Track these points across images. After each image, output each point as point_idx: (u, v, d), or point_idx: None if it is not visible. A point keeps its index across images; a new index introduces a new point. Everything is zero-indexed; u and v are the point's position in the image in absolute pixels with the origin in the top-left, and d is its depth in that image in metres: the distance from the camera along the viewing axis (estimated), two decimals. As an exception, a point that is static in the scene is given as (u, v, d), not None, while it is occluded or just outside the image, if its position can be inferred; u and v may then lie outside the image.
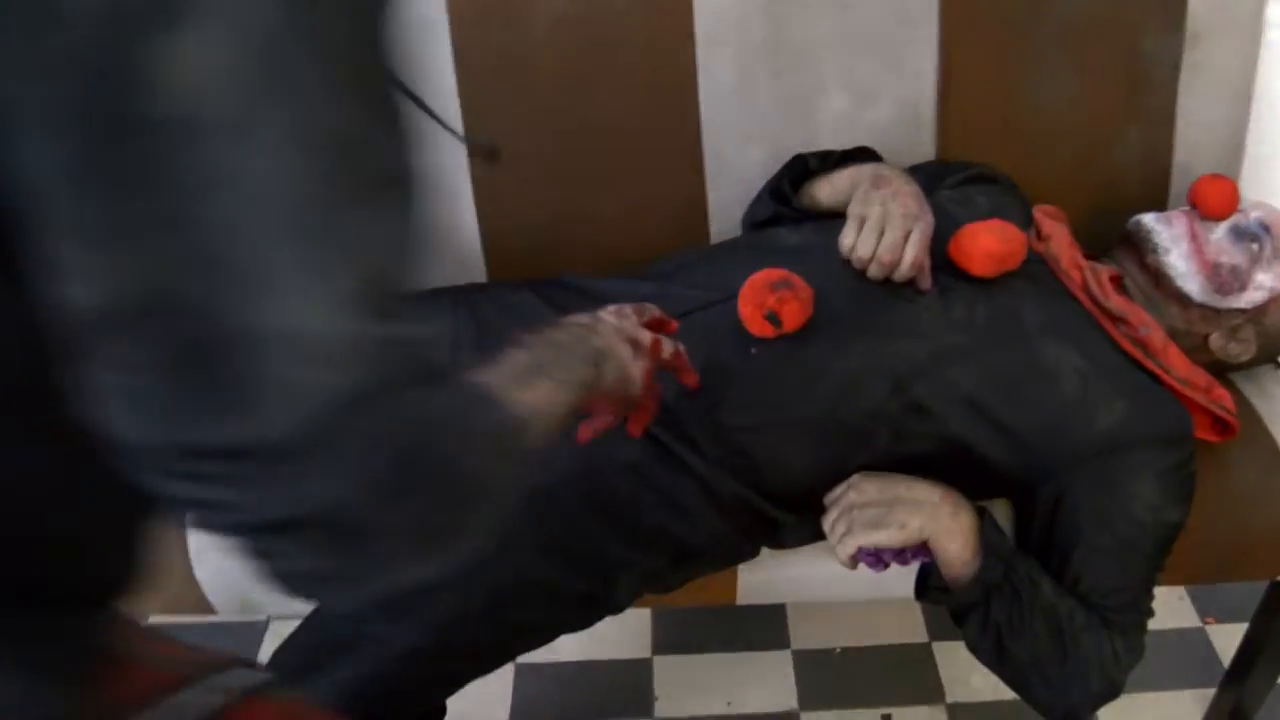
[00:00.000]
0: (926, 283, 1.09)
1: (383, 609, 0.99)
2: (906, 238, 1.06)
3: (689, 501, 1.05)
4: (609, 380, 0.82)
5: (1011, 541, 1.12)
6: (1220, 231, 1.16)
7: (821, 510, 1.07)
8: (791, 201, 1.23)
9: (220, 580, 1.19)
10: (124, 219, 0.40)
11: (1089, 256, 1.19)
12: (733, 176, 1.32)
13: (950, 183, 1.26)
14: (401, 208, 0.46)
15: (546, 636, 1.06)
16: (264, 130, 0.39)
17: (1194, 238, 1.15)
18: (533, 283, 1.25)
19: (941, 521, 1.01)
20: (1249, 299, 1.15)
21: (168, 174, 0.39)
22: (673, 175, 1.35)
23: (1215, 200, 1.16)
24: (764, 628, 1.60)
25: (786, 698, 1.52)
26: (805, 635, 1.60)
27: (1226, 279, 1.14)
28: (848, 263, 1.09)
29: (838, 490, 1.07)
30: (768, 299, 1.03)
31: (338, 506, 0.44)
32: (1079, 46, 1.28)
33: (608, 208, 1.37)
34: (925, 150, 1.34)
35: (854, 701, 1.51)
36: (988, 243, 1.08)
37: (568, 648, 1.59)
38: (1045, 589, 1.02)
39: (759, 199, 1.27)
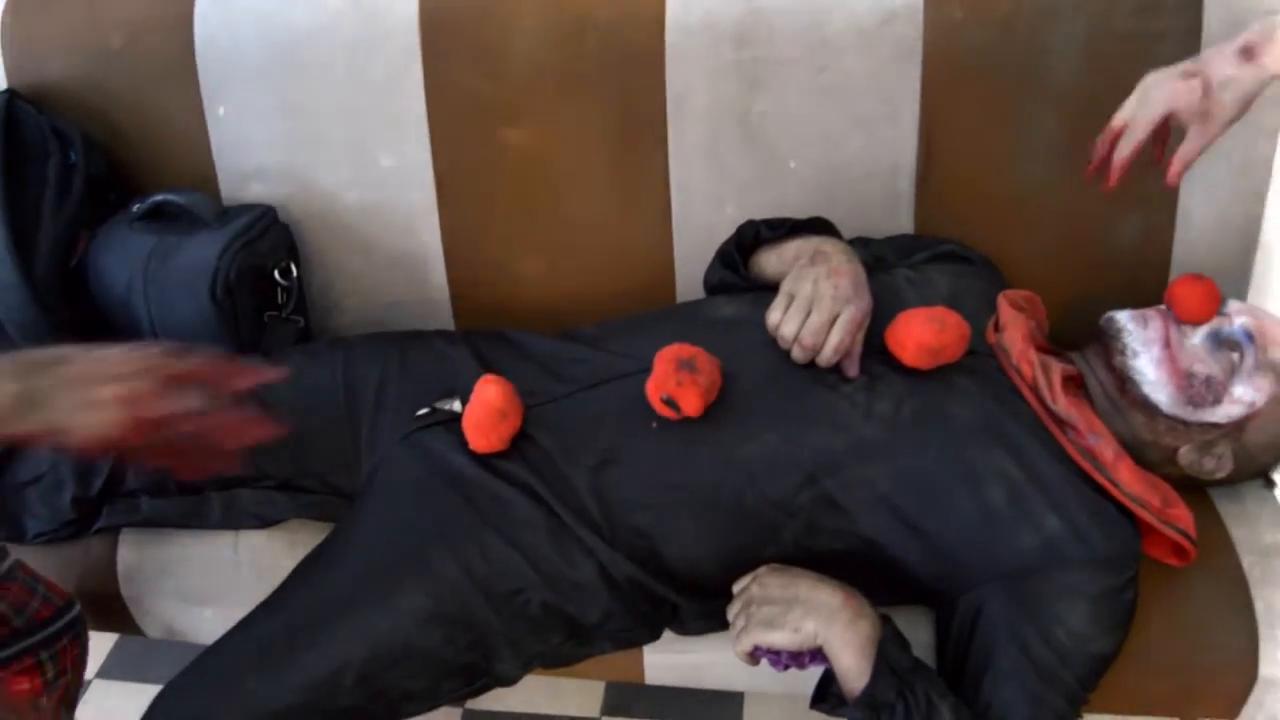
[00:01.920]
0: (852, 370, 1.02)
1: (260, 665, 0.98)
2: (833, 321, 1.00)
3: (582, 580, 1.02)
4: (37, 420, 0.72)
5: (930, 655, 1.05)
6: (1198, 337, 1.06)
7: (728, 596, 1.02)
8: (739, 269, 1.18)
9: (147, 604, 1.21)
10: None
11: (1052, 351, 1.11)
12: (701, 238, 1.28)
13: (917, 259, 1.19)
14: None
15: (428, 704, 1.04)
16: None
17: (1168, 344, 1.05)
18: (472, 334, 1.23)
19: (836, 629, 0.95)
20: (1224, 413, 1.05)
21: None
22: (641, 234, 1.32)
23: (1192, 304, 1.06)
24: (720, 706, 1.54)
25: (729, 775, 1.46)
26: (759, 712, 1.53)
27: (1199, 391, 1.04)
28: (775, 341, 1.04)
29: (743, 581, 1.02)
30: (669, 381, 0.99)
31: None
32: (1072, 121, 1.19)
33: (576, 264, 1.34)
34: (902, 223, 1.27)
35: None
36: (921, 333, 1.01)
37: (516, 697, 1.56)
38: (945, 714, 0.94)
39: (712, 264, 1.22)
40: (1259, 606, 1.05)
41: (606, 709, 1.55)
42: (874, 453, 1.00)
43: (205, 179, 1.37)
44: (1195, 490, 1.15)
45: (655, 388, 1.01)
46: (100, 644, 1.67)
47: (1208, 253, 1.23)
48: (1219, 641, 1.05)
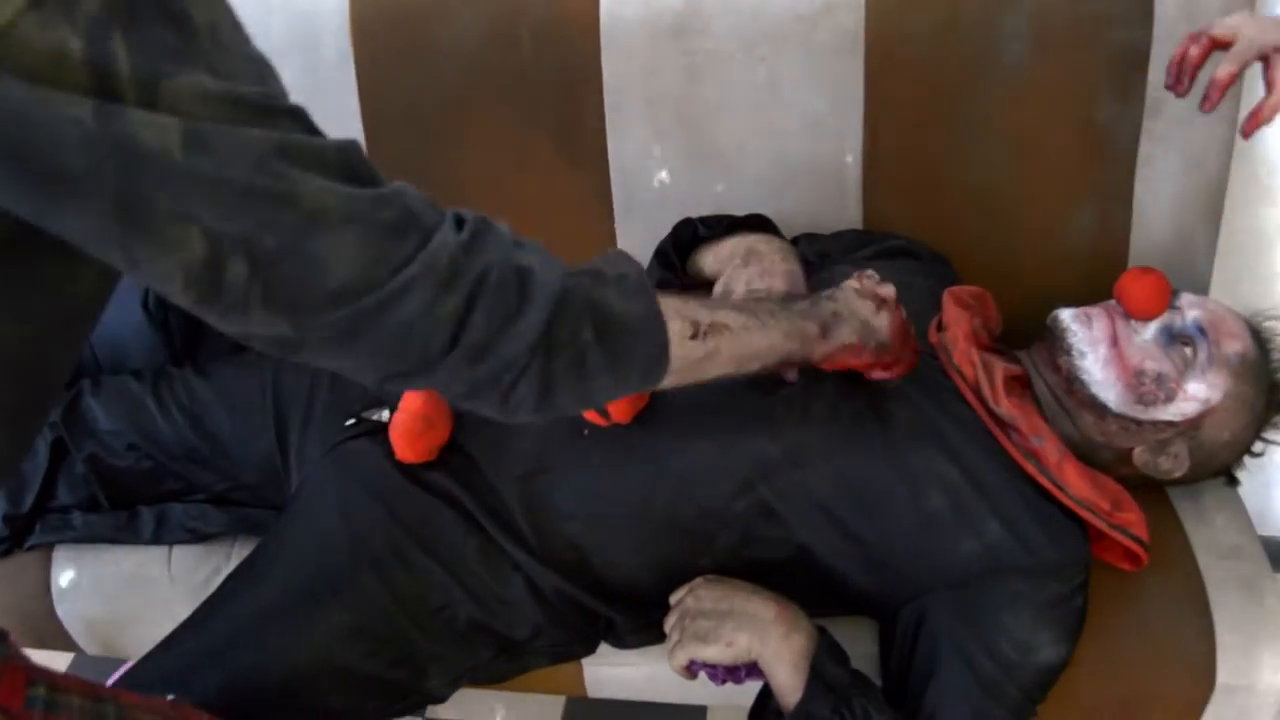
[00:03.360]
0: (792, 375, 0.99)
1: (179, 685, 0.95)
2: None
3: (510, 595, 0.98)
4: (846, 336, 0.88)
5: (875, 667, 1.01)
6: (1149, 332, 1.02)
7: (665, 608, 0.99)
8: (677, 270, 1.14)
9: (82, 621, 1.18)
10: None
11: (997, 351, 1.07)
12: (646, 237, 1.23)
13: (862, 255, 1.16)
14: None
15: (357, 721, 1.01)
16: None
17: (1115, 342, 1.01)
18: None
19: (770, 643, 0.92)
20: (1177, 410, 1.01)
21: None
22: (584, 233, 1.28)
23: (1142, 298, 1.02)
24: (683, 713, 1.50)
25: (690, 788, 1.43)
26: (723, 720, 1.50)
27: (1149, 389, 1.00)
28: None
29: (679, 593, 0.98)
30: None
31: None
32: (1022, 113, 1.15)
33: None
34: (851, 218, 1.23)
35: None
36: None
37: (476, 707, 1.54)
38: (882, 728, 0.91)
39: (650, 264, 1.19)
40: (1217, 611, 1.02)
41: (567, 718, 1.52)
42: (810, 456, 0.96)
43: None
44: (1154, 490, 1.11)
45: None
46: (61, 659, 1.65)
47: (1167, 245, 1.18)
48: (1175, 648, 1.02)
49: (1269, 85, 0.92)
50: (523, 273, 0.64)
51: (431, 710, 1.54)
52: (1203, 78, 0.95)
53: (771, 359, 0.83)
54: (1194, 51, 0.95)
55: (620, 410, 0.96)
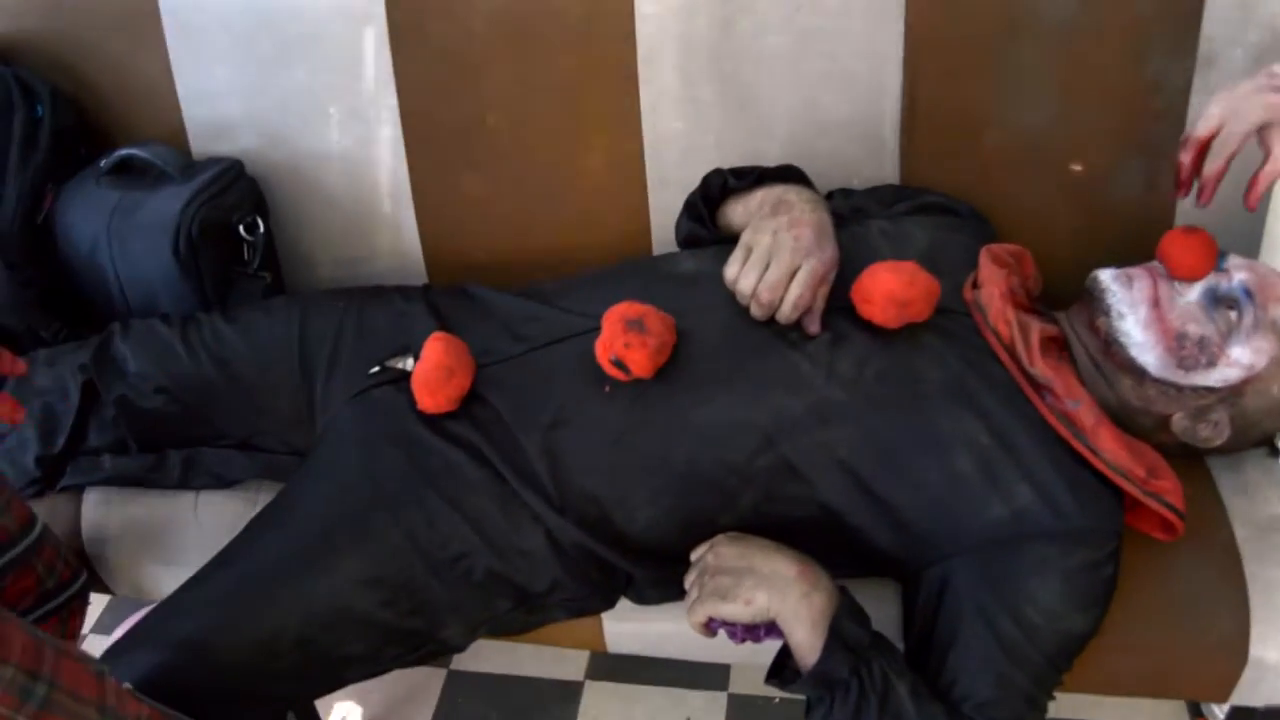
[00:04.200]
0: (813, 327, 0.97)
1: (200, 626, 0.96)
2: (794, 275, 0.95)
3: (530, 547, 0.98)
4: None
5: (897, 630, 1.00)
6: (1194, 294, 0.99)
7: (686, 564, 0.98)
8: (706, 222, 1.12)
9: (112, 562, 1.19)
10: None
11: (1034, 311, 1.04)
12: (676, 189, 1.22)
13: (898, 210, 1.13)
14: None
15: (371, 669, 1.01)
16: None
17: (1157, 303, 0.98)
18: (433, 290, 1.19)
19: (789, 602, 0.90)
20: (1220, 376, 0.97)
21: None
22: (614, 186, 1.27)
23: (1186, 259, 0.98)
24: (706, 668, 1.50)
25: (711, 744, 1.43)
26: (746, 680, 1.49)
27: (1191, 352, 0.97)
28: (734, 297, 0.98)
29: (700, 549, 0.97)
30: (617, 341, 0.94)
31: None
32: (1068, 64, 1.11)
33: (549, 217, 1.30)
34: (887, 174, 1.20)
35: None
36: (889, 284, 0.95)
37: (501, 658, 1.55)
38: (902, 693, 0.89)
39: (681, 216, 1.17)
40: (1252, 584, 0.99)
41: (591, 673, 1.53)
42: (834, 415, 0.94)
43: (175, 133, 1.35)
44: (1193, 459, 1.08)
45: (604, 349, 0.96)
46: (98, 601, 1.68)
47: (1215, 205, 1.12)
48: (1207, 620, 0.99)
49: (1266, 154, 0.92)
50: None
51: (457, 660, 1.55)
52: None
53: None
54: (1187, 160, 0.96)
55: (641, 365, 0.95)
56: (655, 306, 0.97)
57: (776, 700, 1.46)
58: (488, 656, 1.55)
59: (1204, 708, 1.38)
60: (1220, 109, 0.93)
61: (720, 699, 1.48)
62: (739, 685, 1.49)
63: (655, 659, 1.47)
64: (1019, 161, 1.16)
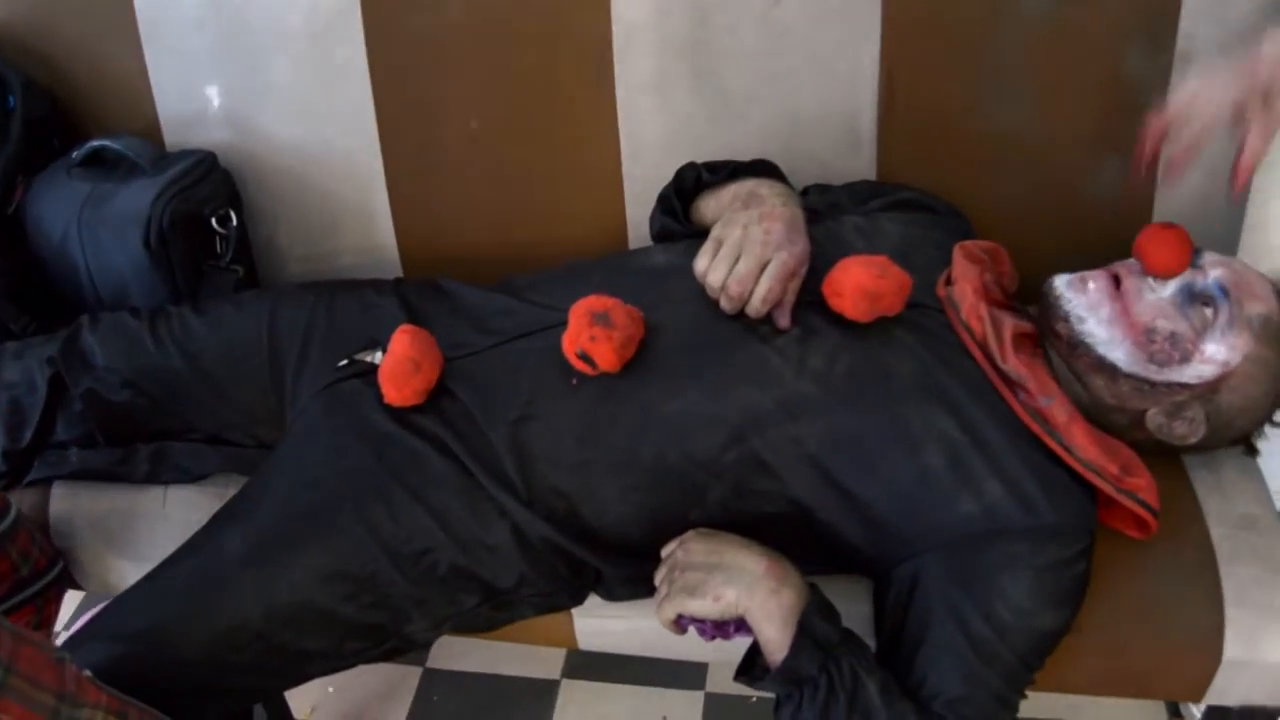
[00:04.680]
0: (784, 321, 0.96)
1: (159, 619, 0.95)
2: (763, 268, 0.94)
3: (496, 542, 0.97)
4: None
5: (869, 627, 0.99)
6: (1169, 291, 0.98)
7: (655, 561, 0.97)
8: (679, 216, 1.11)
9: (80, 558, 1.18)
10: None
11: (1009, 307, 1.03)
12: (652, 183, 1.21)
13: (873, 206, 1.12)
14: None
15: (333, 664, 1.00)
16: None
17: (1116, 298, 0.97)
18: (404, 284, 1.18)
19: (757, 598, 0.89)
20: (1195, 373, 0.97)
21: None
22: (590, 180, 1.26)
23: (1161, 255, 0.97)
24: (683, 667, 1.49)
25: (687, 744, 1.42)
26: (724, 680, 1.48)
27: (1162, 347, 0.96)
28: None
29: (671, 545, 0.96)
30: (583, 335, 0.93)
31: None
32: (1045, 62, 1.11)
33: (524, 211, 1.29)
34: (863, 169, 1.20)
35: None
36: (859, 277, 0.94)
37: (477, 656, 1.54)
38: (871, 690, 0.88)
39: (654, 210, 1.16)
40: (1227, 583, 0.98)
41: (568, 671, 1.51)
42: (804, 410, 0.93)
43: (149, 125, 1.34)
44: (1169, 457, 1.07)
45: (570, 343, 0.95)
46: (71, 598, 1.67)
47: (1194, 203, 1.13)
48: (1181, 619, 0.98)
49: (1241, 138, 0.90)
50: None
51: (433, 658, 1.54)
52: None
53: None
54: (1151, 144, 0.94)
55: (606, 359, 0.94)
56: (624, 300, 0.96)
57: (753, 700, 1.45)
58: (463, 654, 1.54)
59: (1182, 708, 1.37)
60: (1186, 88, 0.91)
61: (697, 698, 1.47)
62: (716, 684, 1.48)
63: (632, 658, 1.46)
64: (996, 157, 1.15)
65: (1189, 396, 0.98)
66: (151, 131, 1.33)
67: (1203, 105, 0.90)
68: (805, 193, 1.17)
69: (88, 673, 0.83)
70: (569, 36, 1.19)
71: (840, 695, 0.87)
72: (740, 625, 0.93)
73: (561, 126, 1.23)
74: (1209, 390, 0.98)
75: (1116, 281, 0.97)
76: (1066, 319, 0.98)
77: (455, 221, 1.30)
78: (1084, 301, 0.97)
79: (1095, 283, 0.98)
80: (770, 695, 0.92)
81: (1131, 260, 1.00)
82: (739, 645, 0.95)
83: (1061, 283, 0.99)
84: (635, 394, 0.95)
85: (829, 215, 1.09)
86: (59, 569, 1.09)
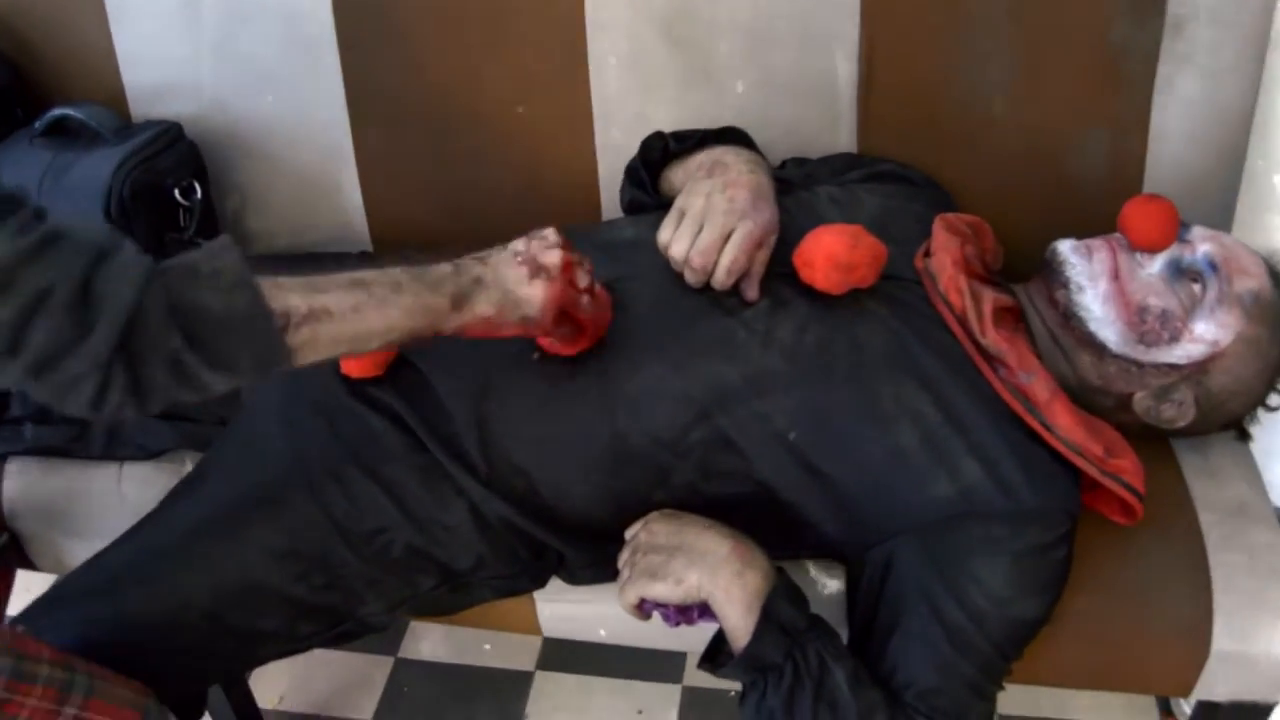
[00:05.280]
0: (751, 293, 0.92)
1: (105, 597, 0.91)
2: (728, 238, 0.90)
3: (453, 522, 0.93)
4: (482, 308, 0.80)
5: (841, 614, 0.95)
6: (1156, 266, 0.94)
7: (619, 544, 0.93)
8: (647, 188, 1.07)
9: (34, 537, 1.15)
10: None
11: (989, 281, 0.99)
12: (626, 155, 1.17)
13: (850, 178, 1.08)
14: None
15: (287, 646, 0.96)
16: None
17: (1117, 276, 0.93)
18: (370, 256, 1.14)
19: (720, 581, 0.85)
20: (1183, 353, 0.93)
21: None
22: (562, 150, 1.22)
23: (1147, 228, 0.94)
24: (660, 659, 1.45)
25: (662, 738, 1.38)
26: (701, 673, 1.42)
27: (1152, 327, 0.92)
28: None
29: (635, 527, 0.92)
30: None
31: None
32: (1029, 32, 1.06)
33: (494, 181, 1.25)
34: (843, 143, 1.16)
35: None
36: (831, 246, 0.90)
37: (450, 646, 1.50)
38: (839, 678, 0.84)
39: (623, 182, 1.12)
40: (1216, 572, 0.94)
41: (542, 663, 1.48)
42: (772, 385, 0.89)
43: (114, 96, 1.30)
44: (1158, 442, 1.03)
45: None
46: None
47: (1186, 177, 1.09)
48: (1168, 609, 0.94)
49: None
50: (90, 288, 0.62)
51: (404, 648, 1.50)
52: None
53: (392, 337, 0.77)
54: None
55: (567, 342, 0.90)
56: None
57: (732, 694, 1.41)
58: (436, 644, 1.51)
59: (1173, 704, 1.33)
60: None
61: (674, 691, 1.43)
62: (694, 678, 1.44)
63: (609, 649, 1.43)
64: (980, 130, 1.11)
65: (1178, 378, 0.94)
66: (117, 102, 1.30)
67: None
68: (783, 166, 1.14)
69: (21, 628, 0.80)
70: (541, 4, 1.15)
71: (806, 683, 0.83)
72: (704, 610, 0.89)
73: (533, 96, 1.19)
74: (1198, 371, 0.94)
75: (1116, 255, 0.93)
76: (1066, 285, 0.94)
77: (424, 194, 1.26)
78: (1087, 270, 0.93)
79: (1099, 253, 0.94)
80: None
81: (1118, 235, 0.96)
82: (710, 634, 0.91)
83: (1066, 247, 0.95)
84: (596, 369, 0.91)
85: (803, 186, 1.05)
86: (2, 541, 1.05)
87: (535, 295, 0.81)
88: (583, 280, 0.86)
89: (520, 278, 0.82)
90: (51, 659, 0.78)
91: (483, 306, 0.80)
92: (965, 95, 1.10)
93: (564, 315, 0.85)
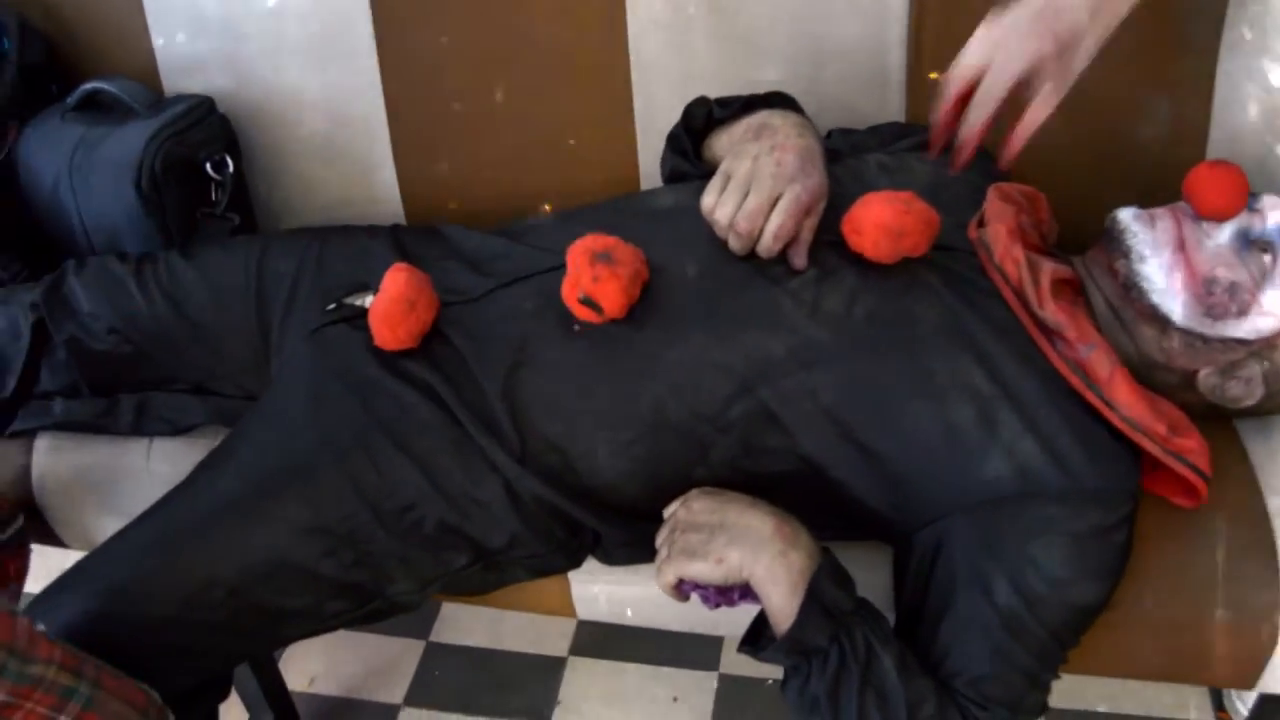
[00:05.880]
0: (799, 260, 0.88)
1: (131, 574, 0.89)
2: (775, 203, 0.86)
3: (486, 498, 0.90)
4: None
5: (887, 599, 0.91)
6: (1223, 236, 0.89)
7: (656, 522, 0.90)
8: (690, 156, 1.04)
9: (63, 513, 1.13)
10: None
11: (1046, 252, 0.95)
12: (666, 124, 1.13)
13: (900, 146, 1.04)
14: None
15: (314, 625, 0.94)
16: None
17: (1182, 246, 0.89)
18: (401, 229, 1.12)
19: (763, 560, 0.82)
20: (1251, 327, 0.88)
21: None
22: (600, 120, 1.19)
23: (1214, 196, 0.89)
24: (696, 645, 1.42)
25: (698, 727, 1.34)
26: (737, 660, 1.40)
27: (1220, 299, 0.87)
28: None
29: (673, 505, 0.89)
30: (584, 276, 0.86)
31: None
32: (1090, -8, 1.01)
33: (530, 157, 1.22)
34: (891, 111, 1.12)
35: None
36: (882, 213, 0.86)
37: (482, 631, 1.48)
38: (887, 664, 0.80)
39: (665, 151, 1.08)
40: (1285, 558, 0.89)
41: (575, 648, 1.45)
42: (818, 357, 0.86)
43: (147, 70, 1.28)
44: (1220, 422, 0.98)
45: (570, 286, 0.88)
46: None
47: (1251, 146, 1.04)
48: (1234, 597, 0.89)
49: (1025, 102, 0.81)
50: None
51: (435, 632, 1.48)
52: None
53: None
54: (944, 110, 0.85)
55: (613, 299, 0.87)
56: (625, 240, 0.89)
57: (769, 682, 1.37)
58: (468, 629, 1.49)
59: (1226, 700, 1.28)
60: (985, 47, 0.81)
61: (710, 679, 1.40)
62: (730, 665, 1.41)
63: (644, 635, 1.39)
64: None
65: (1245, 354, 0.90)
66: (149, 76, 1.28)
67: (998, 71, 0.81)
68: (828, 136, 1.10)
69: (41, 627, 0.78)
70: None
71: (852, 668, 0.80)
72: (745, 591, 0.85)
73: (571, 66, 1.16)
74: (1267, 347, 0.89)
75: (1181, 225, 0.89)
76: (1127, 255, 0.89)
77: (459, 168, 1.24)
78: (1150, 238, 0.89)
79: (1162, 221, 0.89)
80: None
81: (1183, 204, 0.92)
82: (751, 617, 0.88)
83: (1128, 215, 0.91)
84: (634, 341, 0.88)
85: (852, 155, 1.02)
86: (18, 525, 1.03)
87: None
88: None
89: None
90: (61, 662, 0.77)
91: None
92: (1020, 61, 1.05)
93: None
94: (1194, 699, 1.30)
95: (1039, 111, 0.82)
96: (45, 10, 1.28)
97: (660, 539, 0.88)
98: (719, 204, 0.88)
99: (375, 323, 0.94)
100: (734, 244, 0.88)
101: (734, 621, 0.90)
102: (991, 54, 0.81)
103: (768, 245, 0.86)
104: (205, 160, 1.21)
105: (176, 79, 1.28)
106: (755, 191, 0.86)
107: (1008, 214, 0.92)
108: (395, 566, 0.91)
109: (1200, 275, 0.88)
